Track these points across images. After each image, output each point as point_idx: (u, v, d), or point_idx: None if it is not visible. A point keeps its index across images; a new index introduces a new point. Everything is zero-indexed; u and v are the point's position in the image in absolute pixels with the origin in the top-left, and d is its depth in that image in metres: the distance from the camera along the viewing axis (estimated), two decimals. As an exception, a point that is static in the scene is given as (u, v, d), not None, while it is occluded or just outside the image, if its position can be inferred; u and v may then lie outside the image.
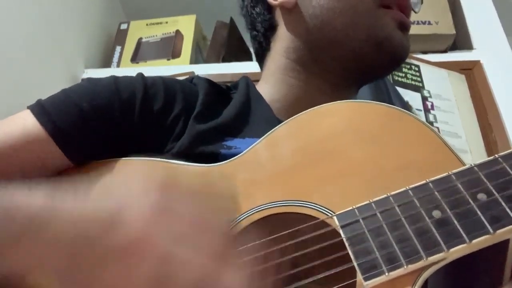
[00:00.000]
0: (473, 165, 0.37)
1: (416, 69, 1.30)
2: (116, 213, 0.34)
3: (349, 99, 0.52)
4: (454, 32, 1.33)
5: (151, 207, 0.34)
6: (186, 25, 1.57)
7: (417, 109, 1.22)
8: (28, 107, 0.51)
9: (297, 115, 0.47)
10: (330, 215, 0.39)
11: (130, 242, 0.33)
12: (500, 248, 0.35)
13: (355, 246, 0.36)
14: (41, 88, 1.25)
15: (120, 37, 1.59)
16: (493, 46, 1.30)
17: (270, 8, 0.64)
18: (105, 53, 1.60)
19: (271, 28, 0.64)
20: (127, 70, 1.49)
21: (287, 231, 0.39)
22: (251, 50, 0.70)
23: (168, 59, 1.50)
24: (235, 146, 0.51)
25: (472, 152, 1.12)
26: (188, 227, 0.35)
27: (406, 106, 1.19)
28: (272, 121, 0.56)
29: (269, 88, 0.62)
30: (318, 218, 0.39)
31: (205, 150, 0.51)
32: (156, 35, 1.57)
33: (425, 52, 1.36)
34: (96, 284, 0.33)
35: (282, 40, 0.63)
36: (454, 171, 0.37)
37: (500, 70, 1.24)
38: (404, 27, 0.59)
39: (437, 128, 1.19)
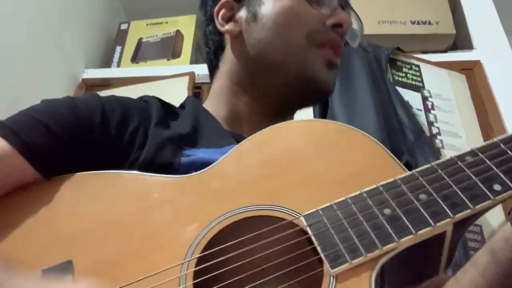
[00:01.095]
0: (414, 171, 0.45)
1: (416, 69, 1.30)
2: None
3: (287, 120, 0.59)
4: (454, 32, 1.33)
5: None
6: (186, 25, 1.57)
7: (417, 109, 1.22)
8: None
9: (260, 131, 0.53)
10: (297, 216, 0.45)
11: None
12: (439, 238, 0.42)
13: (321, 241, 0.42)
14: (41, 88, 1.25)
15: (120, 37, 1.60)
16: (493, 46, 1.30)
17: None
18: (105, 53, 1.60)
19: (220, 48, 0.69)
20: (127, 70, 1.49)
21: (257, 232, 0.44)
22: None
23: (168, 59, 1.50)
24: (193, 154, 0.55)
25: (472, 152, 1.12)
26: None
27: (406, 105, 1.19)
28: (222, 132, 0.62)
29: (213, 107, 0.67)
30: (287, 220, 0.45)
31: (167, 159, 0.54)
32: (156, 35, 1.58)
33: (425, 52, 1.36)
34: None
35: (227, 62, 0.67)
36: (399, 176, 0.45)
37: (500, 70, 1.25)
38: (332, 65, 0.64)
39: (437, 128, 1.19)
